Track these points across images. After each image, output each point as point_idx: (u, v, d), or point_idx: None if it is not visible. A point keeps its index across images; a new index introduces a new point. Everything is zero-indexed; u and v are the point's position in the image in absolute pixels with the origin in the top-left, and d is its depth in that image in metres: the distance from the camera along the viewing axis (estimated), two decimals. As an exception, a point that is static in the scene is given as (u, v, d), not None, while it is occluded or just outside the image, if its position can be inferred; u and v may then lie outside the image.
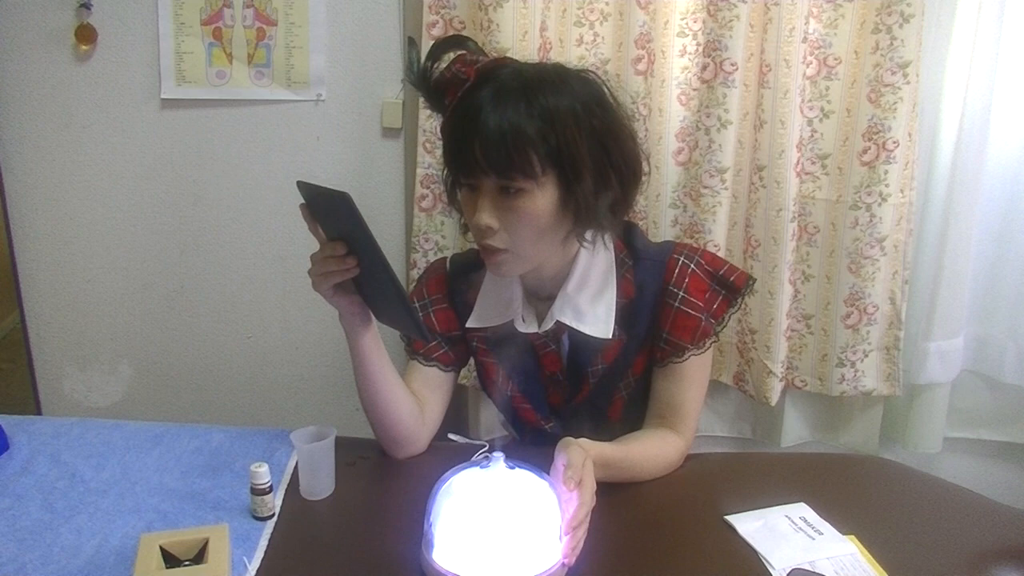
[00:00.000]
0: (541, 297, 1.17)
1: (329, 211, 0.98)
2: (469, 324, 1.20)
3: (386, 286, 0.98)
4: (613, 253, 1.15)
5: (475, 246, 1.13)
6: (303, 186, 0.98)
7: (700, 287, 1.15)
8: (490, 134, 0.98)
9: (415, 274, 1.75)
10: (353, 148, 1.80)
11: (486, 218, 1.03)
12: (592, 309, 1.13)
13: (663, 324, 1.15)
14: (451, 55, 1.06)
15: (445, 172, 1.13)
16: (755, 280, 1.20)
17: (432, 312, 1.22)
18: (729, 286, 1.16)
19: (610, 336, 1.12)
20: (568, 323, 1.13)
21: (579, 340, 1.15)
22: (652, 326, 1.16)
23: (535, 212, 1.02)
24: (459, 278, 1.23)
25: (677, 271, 1.14)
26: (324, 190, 0.94)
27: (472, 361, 1.29)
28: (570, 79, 1.04)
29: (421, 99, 1.65)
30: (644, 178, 1.11)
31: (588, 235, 1.09)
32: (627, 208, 1.11)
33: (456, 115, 1.03)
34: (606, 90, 1.07)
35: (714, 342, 1.19)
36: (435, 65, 1.06)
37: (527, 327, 1.16)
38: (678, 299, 1.14)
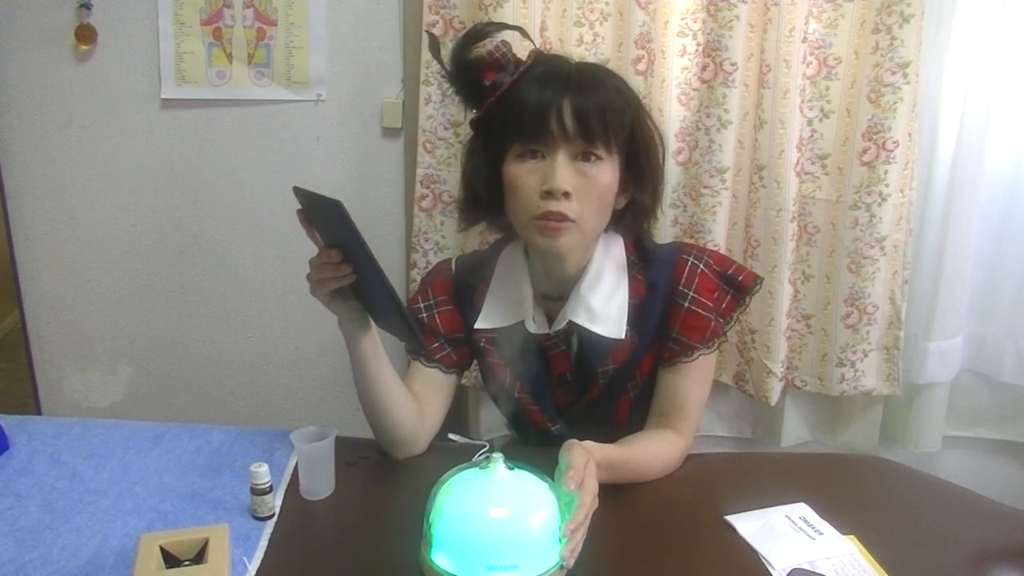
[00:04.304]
0: (551, 297, 1.17)
1: (324, 218, 0.98)
2: (478, 325, 1.19)
3: (382, 296, 0.98)
4: (624, 254, 1.15)
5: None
6: (299, 192, 0.98)
7: (709, 287, 1.15)
8: (583, 99, 1.04)
9: (415, 274, 1.76)
10: (353, 148, 1.80)
11: (565, 183, 1.05)
12: (604, 309, 1.13)
13: (672, 324, 1.15)
14: (492, 37, 1.12)
15: (470, 154, 1.16)
16: (763, 279, 1.21)
17: (437, 313, 1.22)
18: (737, 286, 1.17)
19: (623, 336, 1.13)
20: (581, 323, 1.13)
21: (589, 341, 1.15)
22: (660, 326, 1.16)
23: (607, 182, 1.08)
24: (465, 279, 1.23)
25: (687, 271, 1.15)
26: (318, 197, 0.94)
27: (475, 362, 1.29)
28: (619, 76, 1.14)
29: (421, 99, 1.67)
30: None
31: (634, 226, 1.17)
32: (658, 203, 1.19)
33: (535, 83, 1.07)
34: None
35: (723, 341, 1.19)
36: (477, 46, 1.11)
37: (537, 328, 1.16)
38: (688, 299, 1.14)
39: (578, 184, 1.06)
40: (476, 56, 1.09)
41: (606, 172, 1.07)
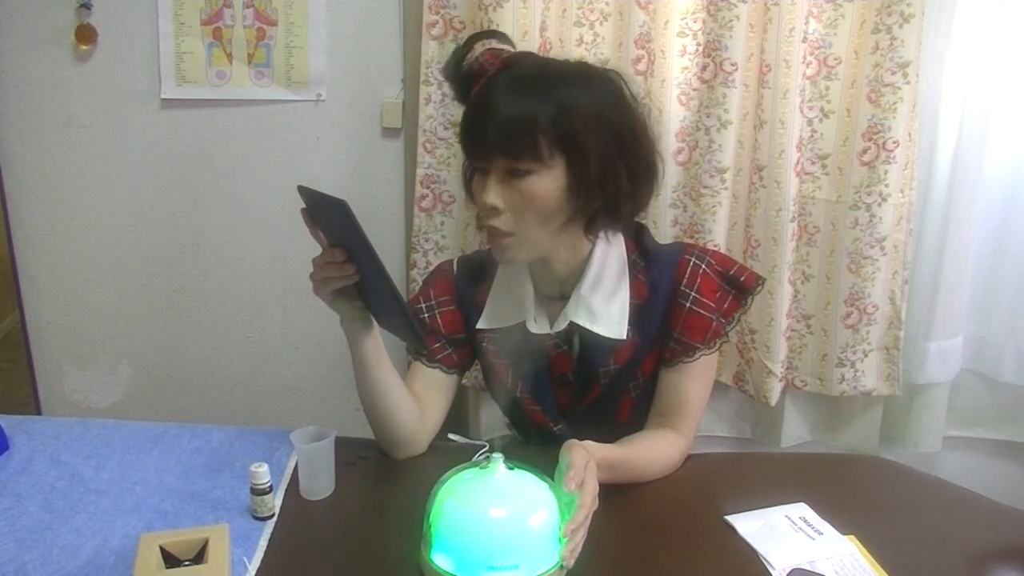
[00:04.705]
0: (552, 297, 1.17)
1: (328, 217, 0.98)
2: (480, 325, 1.19)
3: (386, 296, 0.98)
4: (625, 254, 1.15)
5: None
6: (304, 191, 0.98)
7: (711, 287, 1.15)
8: (501, 115, 1.01)
9: (415, 274, 1.76)
10: (353, 148, 1.80)
11: (492, 198, 1.04)
12: (606, 310, 1.13)
13: (674, 324, 1.15)
14: (484, 44, 1.09)
15: (464, 163, 1.15)
16: (764, 280, 1.20)
17: (438, 314, 1.22)
18: (739, 286, 1.17)
19: (624, 337, 1.12)
20: (582, 324, 1.13)
21: (591, 341, 1.15)
22: (662, 326, 1.16)
23: (541, 195, 1.03)
24: (466, 279, 1.23)
25: (689, 272, 1.15)
26: (323, 196, 0.94)
27: (476, 363, 1.29)
28: (591, 75, 1.07)
29: (421, 99, 1.67)
30: (659, 180, 1.13)
31: (595, 228, 1.10)
32: (637, 206, 1.13)
33: (474, 99, 1.05)
34: (626, 90, 1.09)
35: (724, 342, 1.19)
36: (468, 56, 1.09)
37: (539, 328, 1.16)
38: (690, 299, 1.14)
39: (509, 198, 1.04)
40: (466, 69, 1.08)
41: (537, 184, 1.03)
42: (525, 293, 1.16)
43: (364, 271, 0.99)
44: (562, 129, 1.01)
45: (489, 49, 1.08)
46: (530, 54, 1.10)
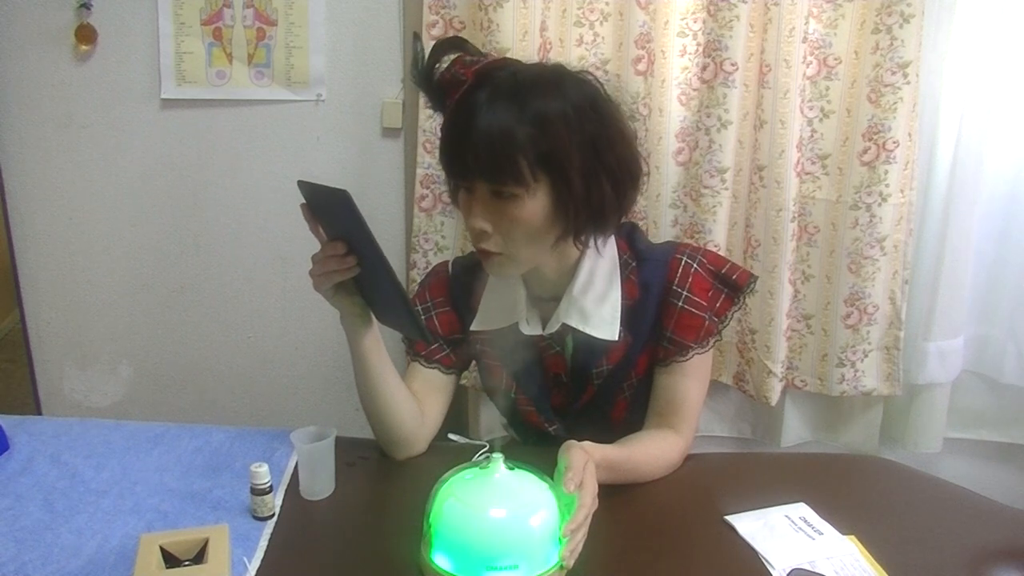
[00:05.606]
0: (545, 299, 1.17)
1: (329, 210, 0.98)
2: (473, 327, 1.20)
3: (386, 286, 0.99)
4: (617, 254, 1.15)
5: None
6: (304, 185, 0.98)
7: (703, 286, 1.15)
8: (480, 140, 0.99)
9: (415, 274, 1.76)
10: (353, 148, 1.80)
11: (479, 222, 1.04)
12: (598, 311, 1.13)
13: (667, 324, 1.15)
14: (452, 56, 1.06)
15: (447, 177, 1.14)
16: (757, 278, 1.20)
17: (435, 315, 1.22)
18: (732, 284, 1.17)
19: (616, 338, 1.12)
20: (574, 326, 1.13)
21: (583, 342, 1.15)
22: (655, 326, 1.16)
23: (527, 217, 1.03)
24: (461, 281, 1.23)
25: (680, 271, 1.14)
26: (324, 188, 0.94)
27: (474, 363, 1.29)
28: (565, 82, 1.04)
29: (421, 99, 1.67)
30: (643, 179, 1.11)
31: (583, 238, 1.09)
32: (623, 211, 1.11)
33: (451, 117, 1.04)
34: (602, 92, 1.06)
35: (718, 340, 1.19)
36: (437, 65, 1.06)
37: (531, 329, 1.16)
38: (682, 299, 1.14)
39: (496, 221, 1.03)
40: (439, 78, 1.05)
41: (522, 207, 1.02)
42: (517, 295, 1.16)
43: (365, 263, 0.99)
44: (542, 149, 0.99)
45: (459, 57, 1.05)
46: (503, 63, 1.06)
